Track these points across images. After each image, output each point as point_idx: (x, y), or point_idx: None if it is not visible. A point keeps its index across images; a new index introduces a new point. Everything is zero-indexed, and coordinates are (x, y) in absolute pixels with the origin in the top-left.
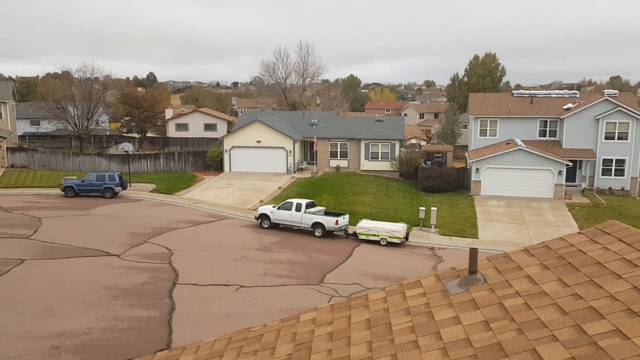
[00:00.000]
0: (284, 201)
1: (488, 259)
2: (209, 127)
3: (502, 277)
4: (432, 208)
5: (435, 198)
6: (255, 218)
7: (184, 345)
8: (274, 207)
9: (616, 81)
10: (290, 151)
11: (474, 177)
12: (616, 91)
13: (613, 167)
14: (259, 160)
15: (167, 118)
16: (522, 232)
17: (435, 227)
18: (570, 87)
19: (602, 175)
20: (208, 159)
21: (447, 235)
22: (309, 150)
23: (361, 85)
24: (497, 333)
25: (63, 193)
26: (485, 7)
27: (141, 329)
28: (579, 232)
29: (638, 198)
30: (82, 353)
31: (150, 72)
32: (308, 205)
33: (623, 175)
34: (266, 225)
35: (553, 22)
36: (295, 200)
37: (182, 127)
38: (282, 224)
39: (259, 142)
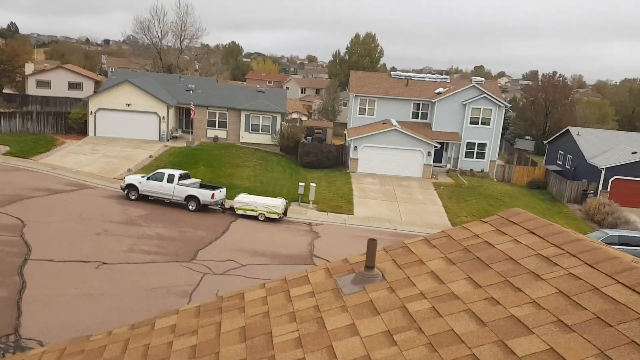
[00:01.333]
0: (155, 171)
1: (385, 250)
2: (74, 86)
3: (403, 273)
4: (311, 184)
5: (315, 174)
6: (122, 188)
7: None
8: (143, 177)
9: (480, 70)
10: (163, 117)
11: (351, 155)
12: (482, 79)
13: (475, 151)
14: (129, 126)
15: (27, 73)
16: (394, 209)
17: (313, 203)
18: (440, 73)
19: (466, 157)
20: (71, 121)
21: (325, 211)
22: (184, 118)
23: (243, 54)
24: (404, 349)
25: None
26: None
27: None
28: (482, 221)
29: (495, 180)
30: None
31: (11, 22)
32: (182, 177)
33: (483, 159)
34: (133, 197)
35: (427, 10)
36: (167, 171)
37: (44, 84)
38: (152, 196)
39: (128, 105)
